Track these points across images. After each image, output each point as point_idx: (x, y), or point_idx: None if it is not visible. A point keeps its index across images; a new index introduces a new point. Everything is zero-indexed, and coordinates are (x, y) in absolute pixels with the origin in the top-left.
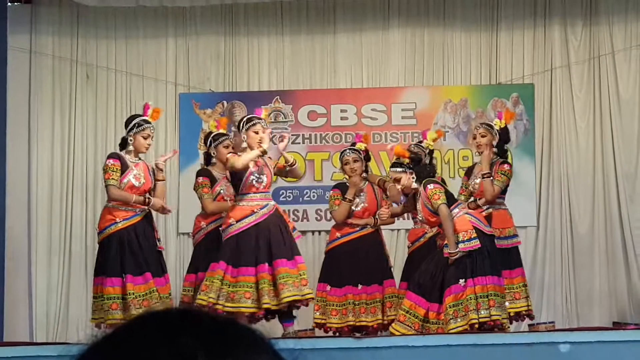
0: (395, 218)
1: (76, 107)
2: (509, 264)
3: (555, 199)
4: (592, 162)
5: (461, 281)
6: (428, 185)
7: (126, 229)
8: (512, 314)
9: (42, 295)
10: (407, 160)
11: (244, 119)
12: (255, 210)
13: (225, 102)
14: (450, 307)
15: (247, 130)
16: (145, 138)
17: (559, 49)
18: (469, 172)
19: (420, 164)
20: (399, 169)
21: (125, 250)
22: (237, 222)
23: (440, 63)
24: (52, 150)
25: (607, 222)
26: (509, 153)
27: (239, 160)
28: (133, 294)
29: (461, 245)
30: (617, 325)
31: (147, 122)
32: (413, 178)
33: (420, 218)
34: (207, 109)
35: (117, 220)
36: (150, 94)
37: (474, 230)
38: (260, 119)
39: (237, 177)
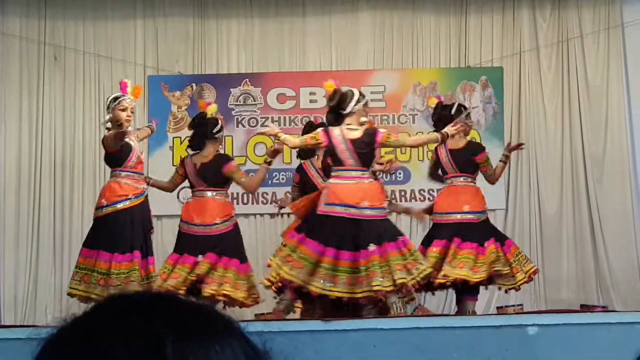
0: None
1: (44, 89)
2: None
3: (524, 182)
4: (560, 144)
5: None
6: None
7: (132, 208)
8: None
9: (10, 278)
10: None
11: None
12: None
13: (194, 85)
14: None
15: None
16: (123, 110)
17: (527, 32)
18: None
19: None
20: None
21: (134, 227)
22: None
23: (409, 46)
24: (19, 133)
25: (575, 205)
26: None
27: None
28: (133, 270)
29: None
30: (585, 308)
31: (123, 95)
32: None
33: None
34: (175, 92)
35: (130, 196)
36: (118, 76)
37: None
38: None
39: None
